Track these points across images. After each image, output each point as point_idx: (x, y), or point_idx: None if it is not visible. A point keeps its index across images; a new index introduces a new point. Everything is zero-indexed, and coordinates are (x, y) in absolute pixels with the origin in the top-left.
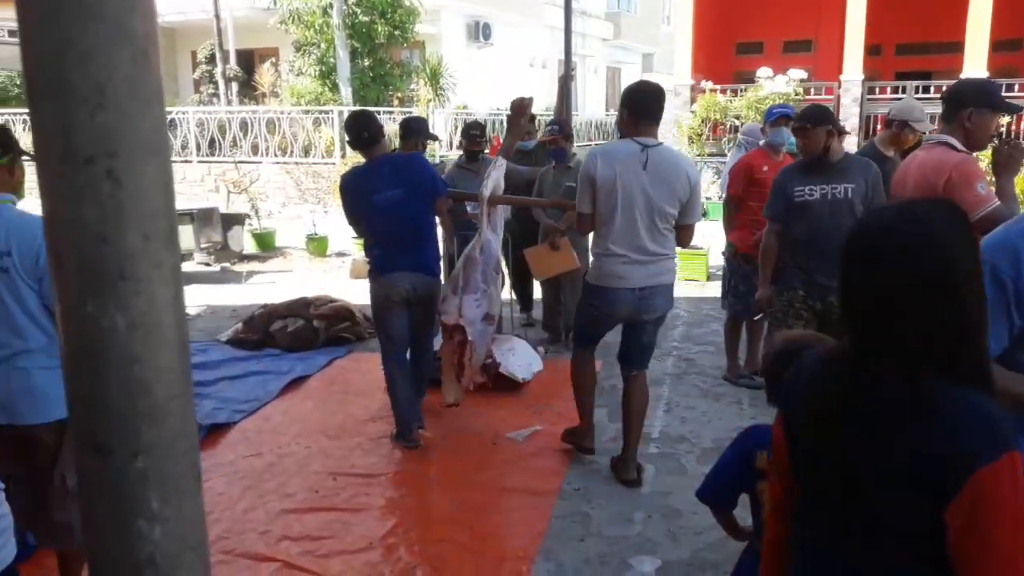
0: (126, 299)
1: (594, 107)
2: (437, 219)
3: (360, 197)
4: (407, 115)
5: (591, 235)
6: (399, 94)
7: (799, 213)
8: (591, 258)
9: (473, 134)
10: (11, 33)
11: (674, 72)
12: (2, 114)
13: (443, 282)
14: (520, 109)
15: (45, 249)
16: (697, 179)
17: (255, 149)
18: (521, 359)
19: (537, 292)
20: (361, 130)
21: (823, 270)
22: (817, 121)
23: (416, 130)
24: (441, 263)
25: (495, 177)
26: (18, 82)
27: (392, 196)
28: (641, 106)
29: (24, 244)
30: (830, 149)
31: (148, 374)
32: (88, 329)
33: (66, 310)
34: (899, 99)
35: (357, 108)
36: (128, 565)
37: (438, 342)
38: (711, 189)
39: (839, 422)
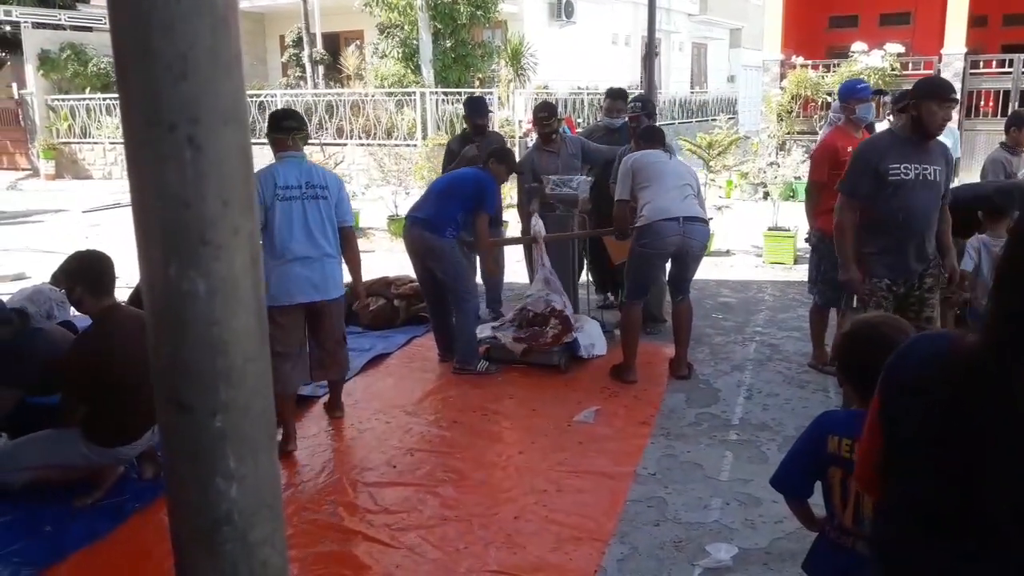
0: (206, 263)
1: (678, 85)
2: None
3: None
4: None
5: None
6: (480, 75)
7: (892, 192)
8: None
9: (540, 116)
10: None
11: (763, 47)
12: (106, 98)
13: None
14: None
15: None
16: None
17: (340, 131)
18: (586, 338)
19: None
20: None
21: (917, 255)
22: (951, 94)
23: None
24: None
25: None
26: None
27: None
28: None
29: (331, 181)
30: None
31: (226, 336)
32: (170, 292)
33: (150, 274)
34: (1007, 73)
35: (477, 94)
36: (207, 520)
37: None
38: (800, 169)
39: (975, 423)
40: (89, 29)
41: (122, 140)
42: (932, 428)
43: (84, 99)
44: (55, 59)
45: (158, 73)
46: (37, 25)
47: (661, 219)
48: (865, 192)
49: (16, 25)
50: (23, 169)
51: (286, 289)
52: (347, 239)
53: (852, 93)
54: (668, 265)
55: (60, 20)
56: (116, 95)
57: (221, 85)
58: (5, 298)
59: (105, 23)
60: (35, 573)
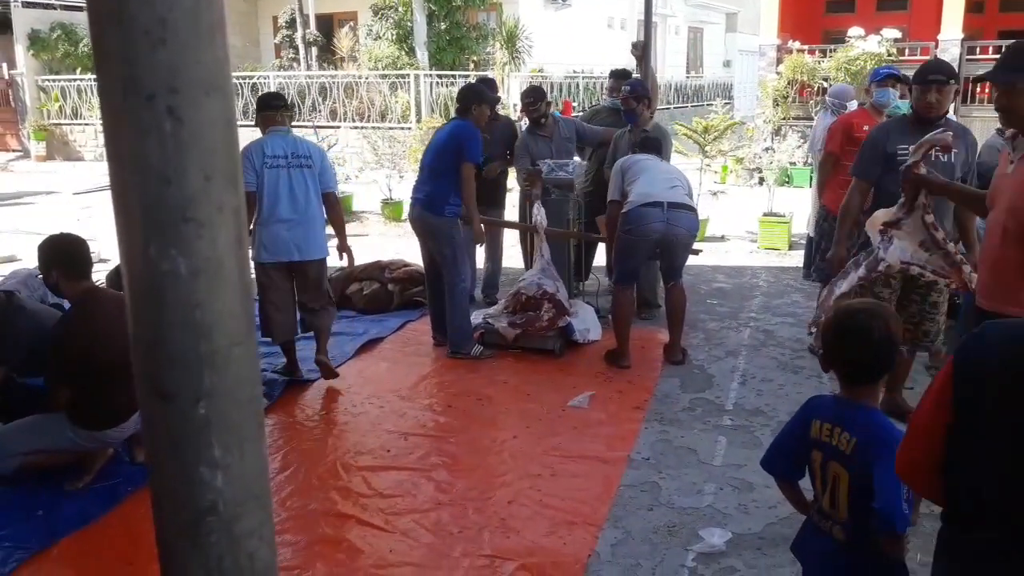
0: (188, 242)
1: (674, 69)
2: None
3: None
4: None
5: None
6: (475, 57)
7: (896, 173)
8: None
9: (527, 102)
10: None
11: (759, 32)
12: (96, 79)
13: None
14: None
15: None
16: None
17: (333, 114)
18: (580, 323)
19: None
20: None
21: None
22: (952, 76)
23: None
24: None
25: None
26: None
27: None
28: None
29: (314, 151)
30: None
31: (210, 319)
32: (150, 272)
33: (129, 253)
34: None
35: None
36: (191, 511)
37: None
38: (796, 154)
39: None
40: (80, 8)
41: None
42: (1010, 413)
43: (75, 80)
44: (45, 39)
45: (134, 39)
46: (27, 4)
47: (643, 203)
48: (876, 175)
49: (6, 4)
50: (14, 150)
51: (272, 249)
52: (331, 203)
53: (873, 76)
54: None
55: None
56: None
57: (203, 52)
58: None
59: None
60: (27, 556)
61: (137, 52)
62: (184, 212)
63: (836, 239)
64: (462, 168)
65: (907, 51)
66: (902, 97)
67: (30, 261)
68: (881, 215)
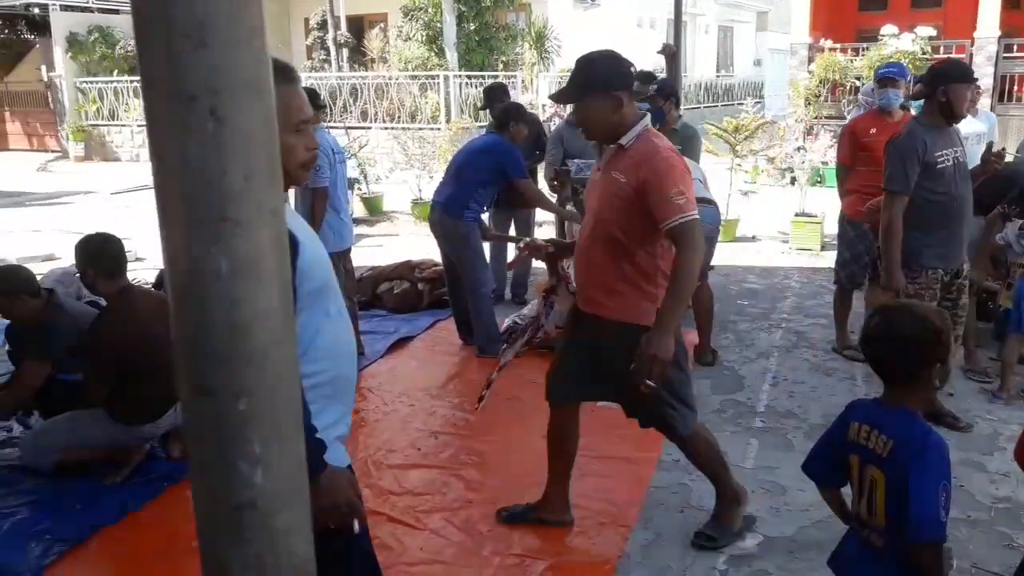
0: (228, 241)
1: (704, 69)
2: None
3: None
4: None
5: None
6: (504, 58)
7: (942, 181)
8: None
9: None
10: None
11: (791, 30)
12: (133, 80)
13: None
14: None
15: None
16: None
17: (364, 115)
18: None
19: None
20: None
21: (963, 241)
22: (972, 77)
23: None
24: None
25: None
26: None
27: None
28: None
29: (339, 147)
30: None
31: (249, 317)
32: (192, 271)
33: (171, 252)
34: None
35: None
36: (230, 506)
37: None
38: (828, 154)
39: None
40: (116, 12)
41: None
42: None
43: (112, 81)
44: (83, 42)
45: (176, 41)
46: (65, 7)
47: None
48: (915, 186)
49: (45, 8)
50: (53, 151)
51: (340, 238)
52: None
53: (877, 76)
54: None
55: (88, 3)
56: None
57: (243, 54)
58: (37, 278)
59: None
60: (67, 548)
61: (179, 54)
62: (225, 211)
63: (890, 264)
64: (516, 185)
65: (942, 49)
66: (914, 97)
67: (68, 259)
68: (543, 284)
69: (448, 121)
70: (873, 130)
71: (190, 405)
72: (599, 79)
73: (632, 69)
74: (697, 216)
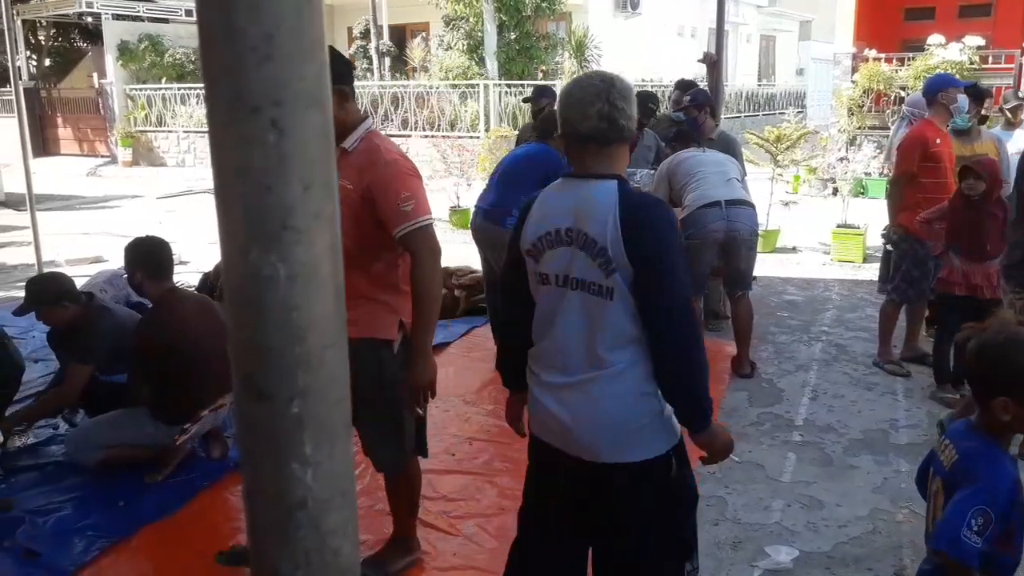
0: (287, 248)
1: (746, 78)
2: None
3: None
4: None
5: None
6: (544, 67)
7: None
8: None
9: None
10: (187, 13)
11: (834, 40)
12: (180, 88)
13: None
14: None
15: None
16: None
17: (404, 123)
18: None
19: None
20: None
21: None
22: None
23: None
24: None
25: None
26: (193, 59)
27: None
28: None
29: None
30: None
31: (305, 322)
32: (250, 277)
33: (231, 258)
34: None
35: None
36: (282, 506)
37: None
38: (871, 164)
39: None
40: (165, 21)
41: (195, 129)
42: None
43: (160, 89)
44: (133, 50)
45: (242, 54)
46: (117, 16)
47: (701, 205)
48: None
49: (97, 16)
50: (102, 156)
51: None
52: None
53: (943, 84)
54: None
55: (139, 12)
56: (190, 85)
57: (306, 67)
58: (85, 280)
59: (180, 15)
60: (109, 544)
61: (244, 67)
62: (284, 220)
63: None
64: None
65: (991, 59)
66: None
67: (116, 262)
68: None
69: (487, 130)
70: (938, 140)
71: (244, 408)
72: None
73: (350, 67)
74: (430, 221)
